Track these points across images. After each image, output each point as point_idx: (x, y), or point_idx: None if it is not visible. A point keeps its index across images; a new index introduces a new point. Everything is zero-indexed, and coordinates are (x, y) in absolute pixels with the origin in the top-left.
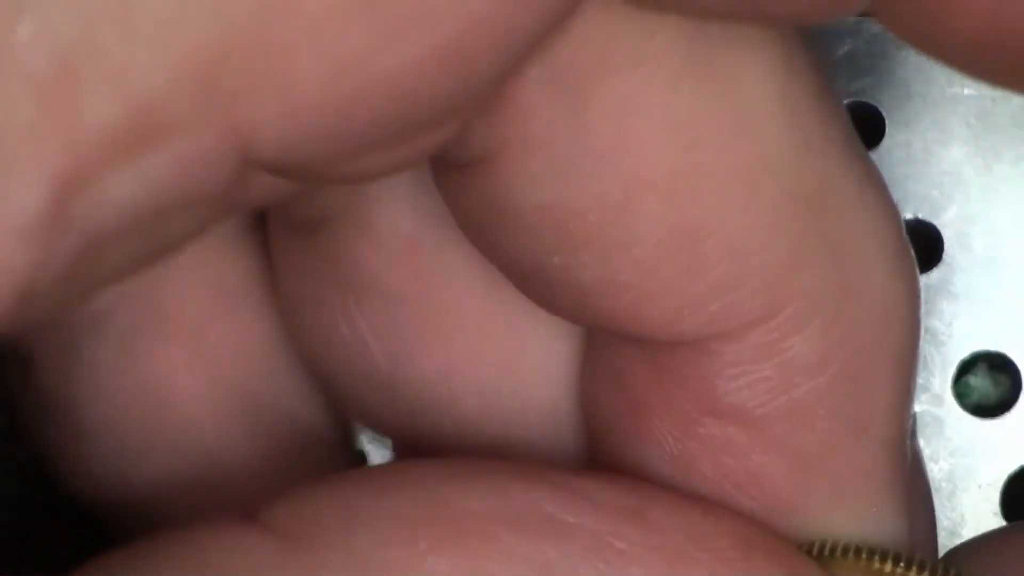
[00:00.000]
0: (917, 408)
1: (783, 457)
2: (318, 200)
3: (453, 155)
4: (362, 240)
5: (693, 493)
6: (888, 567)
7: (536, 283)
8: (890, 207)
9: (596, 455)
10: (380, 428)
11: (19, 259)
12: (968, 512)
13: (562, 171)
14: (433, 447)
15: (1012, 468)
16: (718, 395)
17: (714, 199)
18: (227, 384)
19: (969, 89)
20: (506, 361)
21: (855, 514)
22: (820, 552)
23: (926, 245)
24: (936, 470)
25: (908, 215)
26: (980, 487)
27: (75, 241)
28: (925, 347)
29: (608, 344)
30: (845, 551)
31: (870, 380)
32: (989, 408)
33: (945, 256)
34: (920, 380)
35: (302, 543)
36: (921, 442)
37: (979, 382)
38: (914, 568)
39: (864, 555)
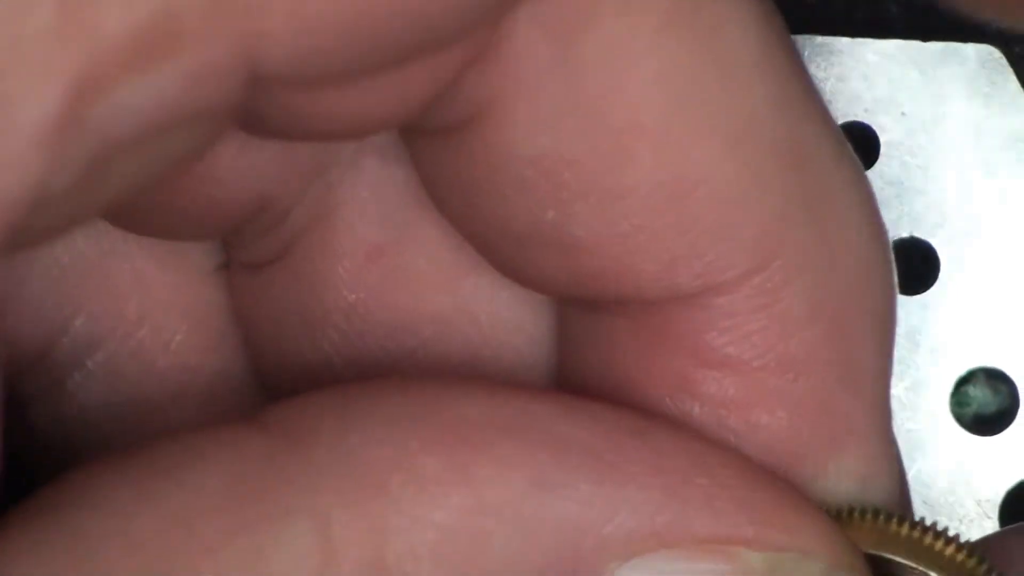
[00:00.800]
0: (914, 425)
1: (782, 409)
2: (281, 228)
3: (445, 117)
4: (325, 257)
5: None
6: (904, 530)
7: (526, 247)
8: (863, 173)
9: None
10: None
11: (34, 163)
12: (967, 527)
13: (555, 119)
14: None
15: (1010, 483)
16: (714, 349)
17: (703, 147)
18: (204, 398)
19: (963, 107)
20: (476, 360)
21: (853, 470)
22: (832, 513)
23: (922, 263)
24: (935, 486)
25: (904, 233)
26: (979, 502)
27: (87, 148)
28: (922, 364)
29: (590, 325)
30: (851, 512)
31: (857, 335)
32: (989, 419)
33: (941, 274)
34: (917, 397)
35: (292, 440)
36: (920, 459)
37: (978, 392)
38: (928, 532)
39: (871, 515)
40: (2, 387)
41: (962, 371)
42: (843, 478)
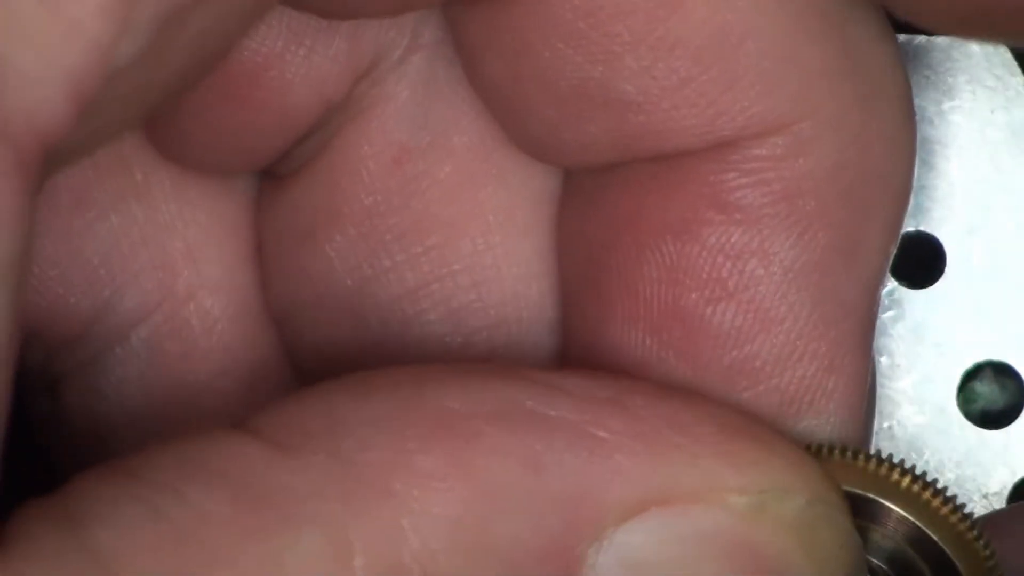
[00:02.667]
0: (921, 419)
1: (777, 267)
2: (316, 135)
3: None
4: (352, 159)
5: (681, 309)
6: (872, 466)
7: (570, 110)
8: (902, 61)
9: (570, 353)
10: (343, 367)
11: (102, 29)
12: None
13: None
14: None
15: (1017, 477)
16: (730, 190)
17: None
18: (239, 386)
19: (967, 103)
20: (475, 276)
21: (827, 352)
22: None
23: (928, 257)
24: (942, 479)
25: (910, 228)
26: (986, 496)
27: (153, 9)
28: (928, 358)
29: (598, 180)
30: (831, 450)
31: (868, 211)
32: (995, 413)
33: (947, 268)
34: (924, 391)
35: (288, 448)
36: (926, 452)
37: (985, 388)
38: (895, 469)
39: (849, 454)
40: (12, 385)
41: (968, 365)
42: (816, 356)
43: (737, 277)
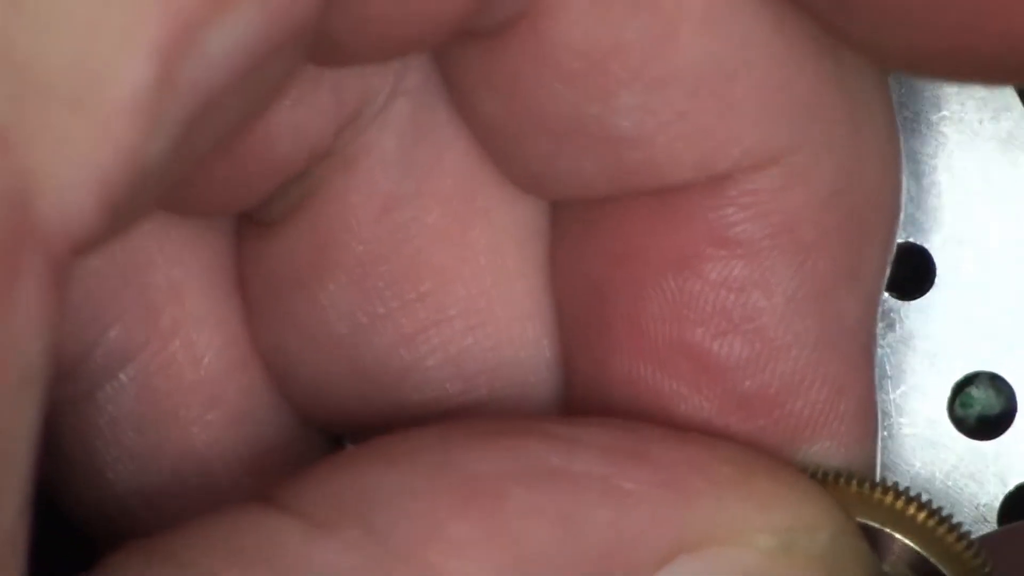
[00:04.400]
0: (911, 430)
1: (780, 297)
2: (303, 180)
3: (503, 10)
4: (340, 208)
5: (687, 344)
6: (886, 498)
7: (565, 147)
8: (886, 80)
9: (574, 391)
10: (339, 417)
11: (133, 134)
12: None
13: (606, 5)
14: (396, 419)
15: (1008, 488)
16: (729, 225)
17: (743, 31)
18: (230, 417)
19: (956, 112)
20: (470, 321)
21: (835, 375)
22: (817, 477)
23: (918, 268)
24: (932, 491)
25: (899, 239)
26: (977, 507)
27: (183, 107)
28: (918, 369)
29: (591, 217)
30: (837, 478)
31: (865, 234)
32: (992, 420)
33: (937, 279)
34: (915, 402)
35: (325, 525)
36: (917, 463)
37: (981, 394)
38: (911, 503)
39: (867, 485)
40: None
41: (959, 376)
42: (826, 380)
43: (741, 310)
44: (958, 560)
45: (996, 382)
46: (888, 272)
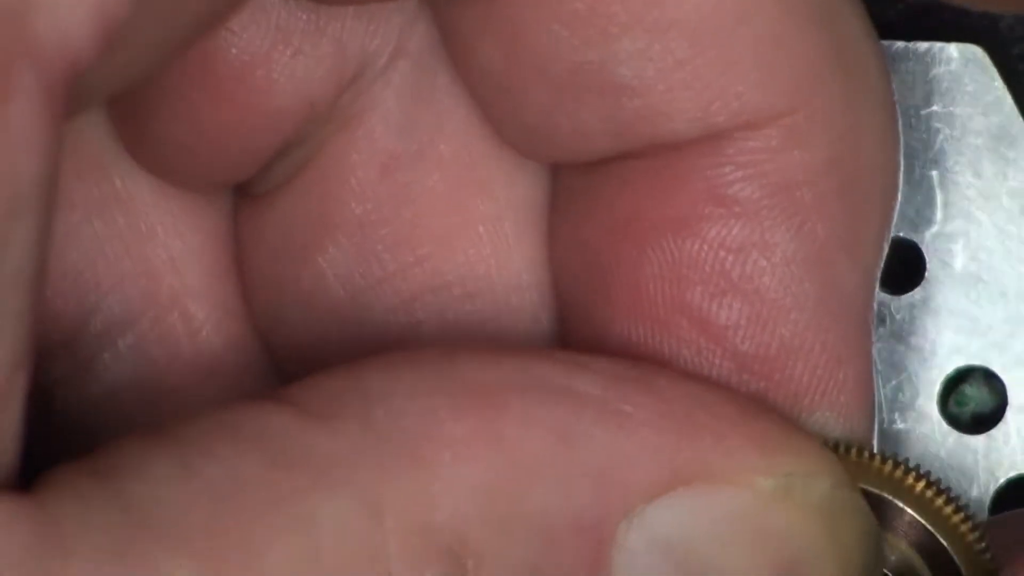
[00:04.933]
0: (902, 425)
1: (779, 258)
2: (300, 147)
3: None
4: (340, 169)
5: (686, 305)
6: (885, 467)
7: (564, 97)
8: (884, 57)
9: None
10: None
11: None
12: None
13: None
14: None
15: (999, 482)
16: (727, 184)
17: None
18: (227, 391)
19: (947, 107)
20: (468, 287)
21: (835, 344)
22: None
23: (908, 263)
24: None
25: None
26: (969, 501)
27: None
28: (909, 364)
29: (591, 179)
30: (836, 447)
31: (863, 204)
32: (986, 418)
33: (927, 274)
34: (905, 397)
35: (321, 416)
36: (909, 457)
37: (975, 391)
38: (909, 472)
39: (866, 454)
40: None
41: (949, 370)
42: (825, 347)
43: (740, 270)
44: (956, 531)
45: (989, 379)
46: (886, 251)
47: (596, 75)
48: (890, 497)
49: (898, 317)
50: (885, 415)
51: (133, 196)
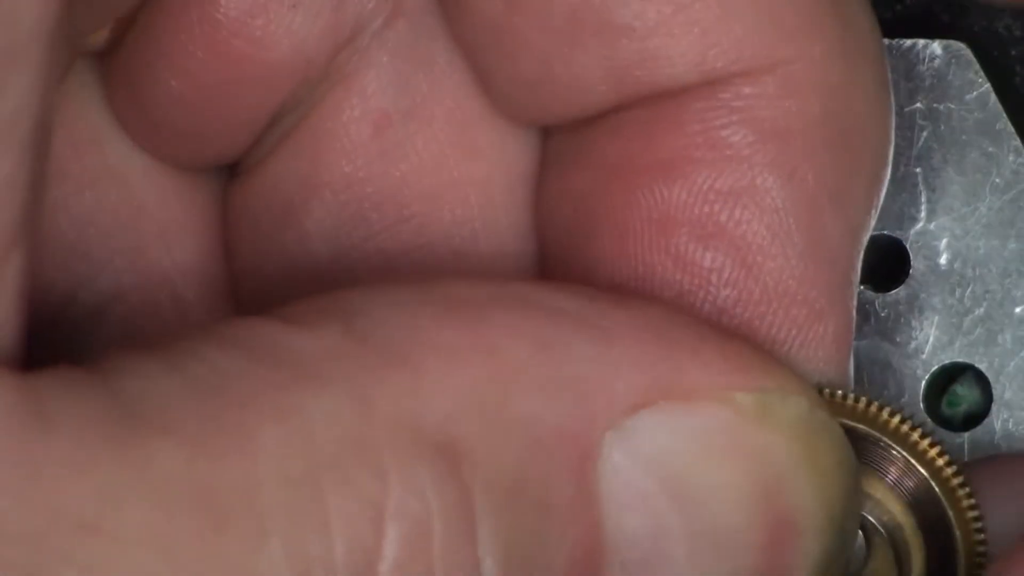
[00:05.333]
0: None
1: (767, 205)
2: (295, 112)
3: None
4: (332, 123)
5: (672, 247)
6: (862, 406)
7: (566, 43)
8: (879, 33)
9: None
10: None
11: None
12: None
13: None
14: None
15: None
16: (719, 126)
17: None
18: None
19: (931, 104)
20: (454, 247)
21: (816, 297)
22: None
23: (893, 260)
24: None
25: (873, 231)
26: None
27: None
28: (894, 361)
29: (580, 133)
30: (822, 390)
31: (852, 161)
32: (979, 418)
33: (912, 271)
34: (890, 394)
35: (306, 325)
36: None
37: (967, 391)
38: (884, 409)
39: (841, 394)
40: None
41: (933, 367)
42: (811, 285)
43: (728, 214)
44: (934, 465)
45: (980, 379)
46: (875, 216)
47: (595, 17)
48: (868, 430)
49: (883, 314)
50: None
51: (126, 172)
